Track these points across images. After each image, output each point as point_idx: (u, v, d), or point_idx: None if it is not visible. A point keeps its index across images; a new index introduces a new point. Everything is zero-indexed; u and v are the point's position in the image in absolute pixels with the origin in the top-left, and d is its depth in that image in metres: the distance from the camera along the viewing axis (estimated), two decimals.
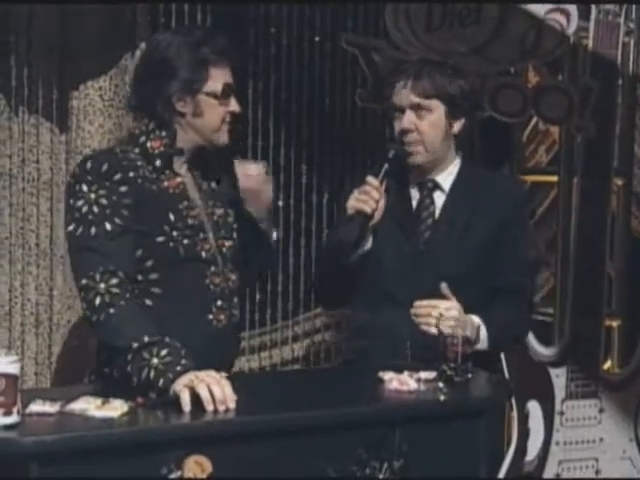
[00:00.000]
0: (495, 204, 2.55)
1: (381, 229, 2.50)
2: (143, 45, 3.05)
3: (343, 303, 2.74)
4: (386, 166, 2.47)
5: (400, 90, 2.52)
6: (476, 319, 2.44)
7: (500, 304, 2.50)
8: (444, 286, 2.41)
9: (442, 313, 2.35)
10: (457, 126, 2.56)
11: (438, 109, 2.51)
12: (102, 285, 2.12)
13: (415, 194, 2.59)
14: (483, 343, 2.45)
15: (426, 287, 2.43)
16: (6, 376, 1.81)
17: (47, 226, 3.10)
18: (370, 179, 2.44)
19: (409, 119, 2.50)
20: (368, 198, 2.42)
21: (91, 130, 3.05)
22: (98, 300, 2.11)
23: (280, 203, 3.40)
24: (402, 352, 2.44)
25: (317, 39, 3.43)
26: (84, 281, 2.14)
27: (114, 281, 2.13)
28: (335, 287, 2.58)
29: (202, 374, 2.01)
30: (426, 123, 2.50)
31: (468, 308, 2.42)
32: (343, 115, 3.50)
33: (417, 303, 2.40)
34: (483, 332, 2.44)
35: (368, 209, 2.42)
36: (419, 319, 2.39)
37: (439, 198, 2.58)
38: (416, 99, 2.50)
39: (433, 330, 2.34)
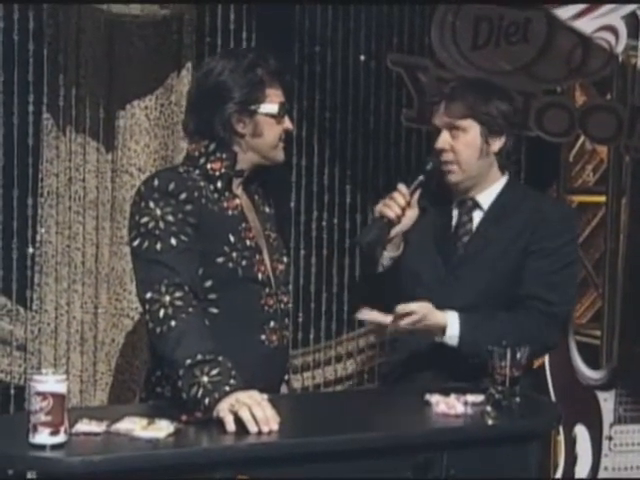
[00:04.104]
0: (532, 224, 2.52)
1: (418, 245, 2.53)
2: (189, 65, 3.07)
3: None
4: (421, 177, 2.50)
5: (437, 111, 2.56)
6: (444, 320, 2.41)
7: (512, 312, 2.46)
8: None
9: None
10: (497, 144, 2.55)
11: (472, 129, 2.52)
12: (167, 297, 2.13)
13: (455, 212, 2.60)
14: (452, 340, 2.42)
15: (458, 302, 2.45)
16: (53, 395, 1.81)
17: (93, 244, 3.11)
18: (400, 186, 2.48)
19: (444, 139, 2.53)
20: (393, 204, 2.45)
21: (137, 149, 3.07)
22: (162, 312, 2.12)
23: (324, 223, 3.39)
24: (435, 364, 2.47)
25: (362, 58, 3.42)
26: (149, 294, 2.15)
27: (178, 294, 2.13)
28: (371, 296, 2.58)
29: (243, 396, 2.00)
30: (460, 143, 2.52)
31: None
32: (388, 135, 3.49)
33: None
34: (453, 331, 2.40)
35: (391, 214, 2.45)
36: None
37: (478, 217, 2.58)
38: (449, 120, 2.52)
39: None
